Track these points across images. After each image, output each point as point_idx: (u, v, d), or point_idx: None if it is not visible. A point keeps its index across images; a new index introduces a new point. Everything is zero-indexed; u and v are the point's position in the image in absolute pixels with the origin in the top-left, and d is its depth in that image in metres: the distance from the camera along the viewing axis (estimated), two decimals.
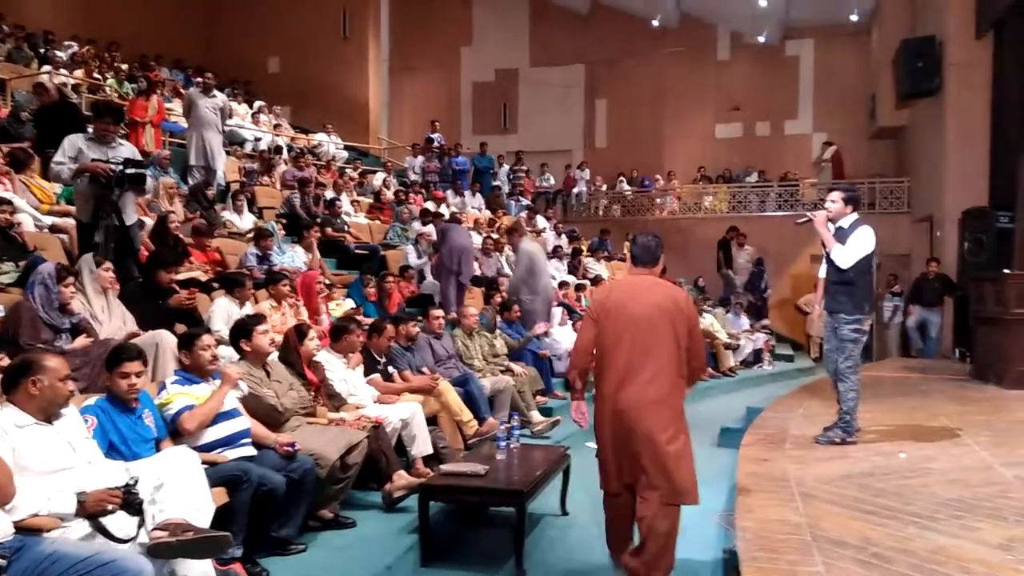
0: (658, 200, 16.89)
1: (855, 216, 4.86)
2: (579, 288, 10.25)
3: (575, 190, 16.93)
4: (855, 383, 4.82)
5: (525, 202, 14.65)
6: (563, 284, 10.17)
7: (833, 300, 4.90)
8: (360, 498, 4.58)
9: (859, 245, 4.73)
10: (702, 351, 3.57)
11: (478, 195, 13.41)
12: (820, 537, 3.15)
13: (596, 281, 10.81)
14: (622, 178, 17.21)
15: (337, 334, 5.20)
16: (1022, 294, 7.25)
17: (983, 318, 7.95)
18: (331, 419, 4.58)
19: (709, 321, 11.11)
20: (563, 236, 13.53)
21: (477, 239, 10.25)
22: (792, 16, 17.24)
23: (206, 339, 3.89)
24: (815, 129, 17.76)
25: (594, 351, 3.45)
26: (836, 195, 4.91)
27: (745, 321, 12.27)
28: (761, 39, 17.81)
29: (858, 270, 4.76)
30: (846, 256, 4.72)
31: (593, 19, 18.63)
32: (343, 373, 5.06)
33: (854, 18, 16.69)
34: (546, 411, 6.89)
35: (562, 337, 8.16)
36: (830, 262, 4.86)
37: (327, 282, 6.94)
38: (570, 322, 8.48)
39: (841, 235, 4.81)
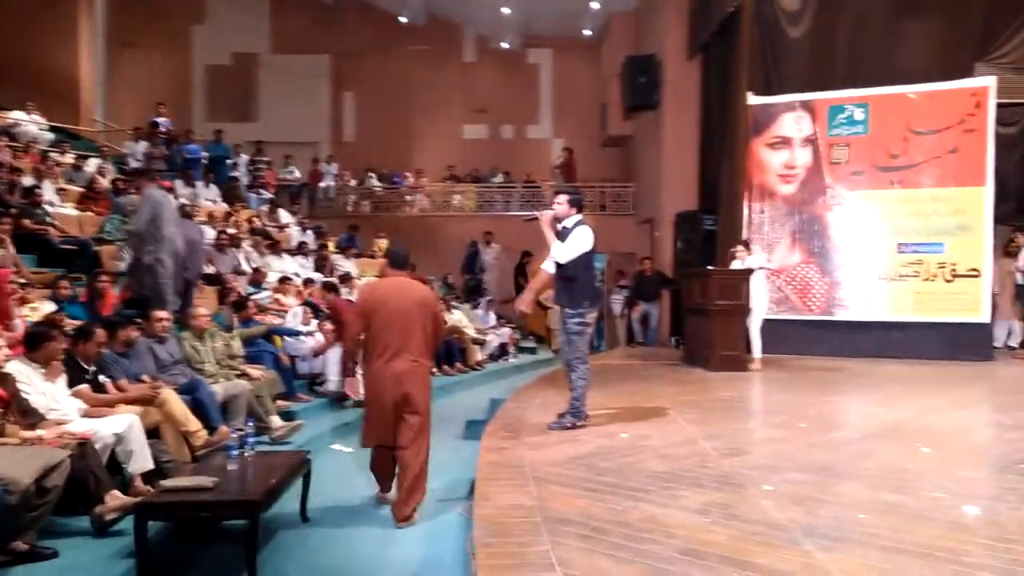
0: (408, 197, 16.95)
1: (578, 217, 5.21)
2: (329, 288, 9.95)
3: (322, 184, 16.41)
4: (584, 372, 5.17)
5: (267, 195, 13.90)
6: (308, 281, 9.79)
7: (558, 295, 5.25)
8: (64, 524, 4.04)
9: (577, 243, 5.08)
10: (441, 330, 4.87)
11: (213, 186, 12.45)
12: (549, 517, 3.30)
13: (346, 279, 10.56)
14: (371, 174, 17.02)
15: (34, 341, 4.51)
16: (723, 287, 8.28)
17: (692, 309, 8.97)
18: (24, 438, 3.97)
19: (457, 317, 11.35)
20: (309, 232, 13.05)
21: (210, 233, 9.51)
22: (533, 26, 18.20)
23: None
24: (554, 135, 18.93)
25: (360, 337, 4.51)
26: (562, 197, 5.25)
27: (492, 317, 12.72)
28: (505, 45, 18.62)
29: (577, 267, 5.10)
30: (563, 252, 5.08)
31: (339, 9, 18.19)
32: (41, 386, 4.40)
33: (588, 32, 18.05)
34: (288, 416, 6.57)
35: (308, 337, 7.86)
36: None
37: (22, 281, 6.00)
38: (315, 321, 8.17)
39: (564, 234, 5.14)
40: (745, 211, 10.08)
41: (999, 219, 9.18)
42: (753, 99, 10.09)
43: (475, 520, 3.35)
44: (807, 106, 9.94)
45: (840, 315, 9.66)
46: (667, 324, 12.35)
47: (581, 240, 5.10)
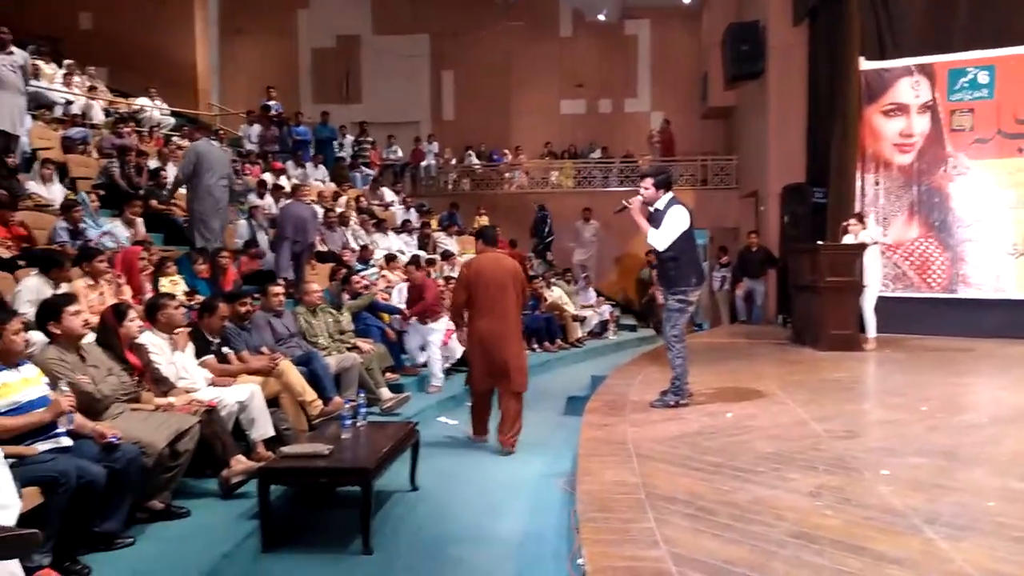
0: (507, 175, 17.04)
1: (669, 196, 5.02)
2: (430, 263, 10.17)
3: (424, 163, 16.73)
4: (680, 351, 5.06)
5: (371, 174, 14.29)
6: (414, 259, 10.03)
7: (660, 275, 5.20)
8: (195, 486, 4.33)
9: (672, 225, 4.92)
10: (526, 294, 6.04)
11: (321, 167, 12.91)
12: (653, 495, 3.29)
13: (447, 256, 10.77)
14: (470, 152, 17.20)
15: (151, 311, 4.77)
16: (834, 264, 7.94)
17: (800, 286, 8.65)
18: (158, 404, 4.28)
19: (558, 294, 11.39)
20: (412, 210, 13.35)
21: (320, 212, 9.89)
22: None
23: (14, 324, 3.48)
24: (653, 107, 18.54)
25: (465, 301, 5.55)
26: (648, 181, 5.04)
27: (592, 294, 12.69)
28: (601, 17, 18.31)
29: (677, 247, 4.95)
30: (660, 238, 4.94)
31: None
32: (170, 355, 4.72)
33: (686, 1, 17.52)
34: (397, 387, 6.80)
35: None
36: None
37: (153, 257, 6.42)
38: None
39: (657, 216, 4.97)
40: (858, 183, 9.60)
41: None
42: (866, 64, 9.56)
43: (578, 495, 3.38)
44: (925, 70, 9.33)
45: (963, 292, 9.08)
46: (774, 302, 11.97)
47: (676, 221, 4.94)
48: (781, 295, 11.35)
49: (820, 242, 8.64)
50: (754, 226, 13.12)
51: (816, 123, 11.43)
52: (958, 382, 6.29)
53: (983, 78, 9.03)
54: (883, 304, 8.13)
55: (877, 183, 9.61)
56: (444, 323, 7.47)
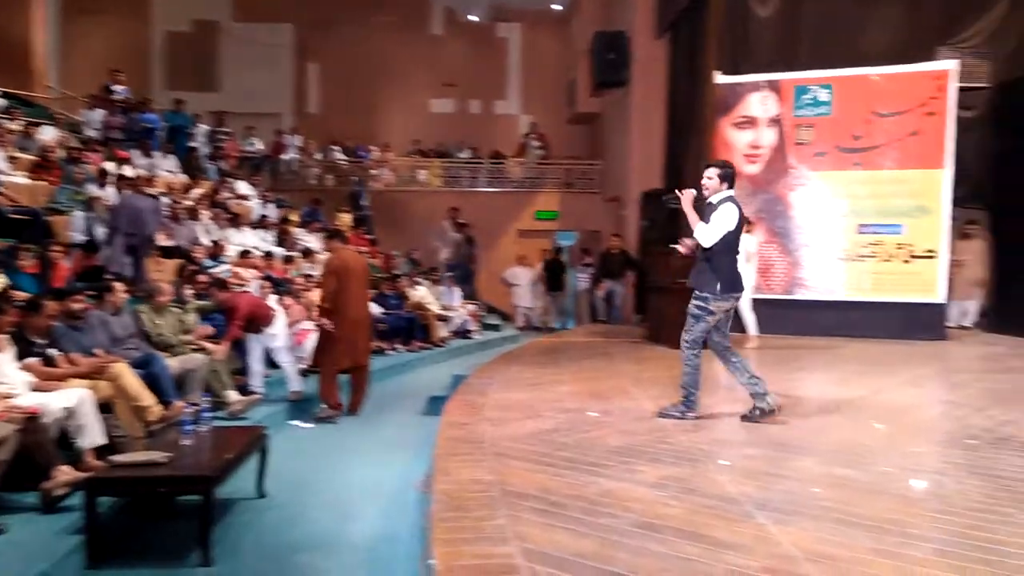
0: (373, 171, 16.74)
1: (725, 193, 4.68)
2: (288, 261, 9.82)
3: (285, 156, 16.11)
4: (691, 359, 4.76)
5: (227, 167, 13.60)
6: (269, 255, 9.64)
7: (694, 275, 4.80)
8: (12, 500, 3.93)
9: (721, 223, 4.58)
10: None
11: (172, 157, 12.14)
12: (508, 492, 3.30)
13: (308, 254, 10.42)
14: (335, 147, 16.75)
15: None
16: (685, 266, 8.30)
17: (656, 287, 9.01)
18: None
19: (422, 293, 11.29)
20: (270, 205, 12.82)
21: (165, 204, 9.29)
22: None
23: None
24: (522, 111, 18.81)
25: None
26: (712, 171, 4.69)
27: (458, 294, 12.67)
28: (473, 18, 18.38)
29: (718, 250, 4.63)
30: (707, 234, 4.60)
31: None
32: None
33: (557, 7, 17.90)
34: (247, 391, 6.46)
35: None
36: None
37: None
38: (275, 297, 8.03)
39: (707, 211, 4.65)
40: None
41: (956, 202, 9.33)
42: (720, 78, 10.10)
43: (434, 495, 3.33)
44: (773, 86, 9.97)
45: (801, 294, 9.78)
46: (632, 303, 12.42)
47: (726, 219, 4.57)
48: (639, 296, 11.79)
49: (673, 245, 9.02)
50: (616, 229, 13.56)
51: (675, 132, 11.97)
52: (792, 377, 6.74)
53: (823, 96, 9.74)
54: None
55: None
56: (283, 324, 7.10)
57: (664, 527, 2.88)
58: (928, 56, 9.63)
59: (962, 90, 9.29)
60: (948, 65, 9.28)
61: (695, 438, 4.29)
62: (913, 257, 9.32)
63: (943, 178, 9.20)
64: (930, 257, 9.26)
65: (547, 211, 16.67)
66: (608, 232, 13.77)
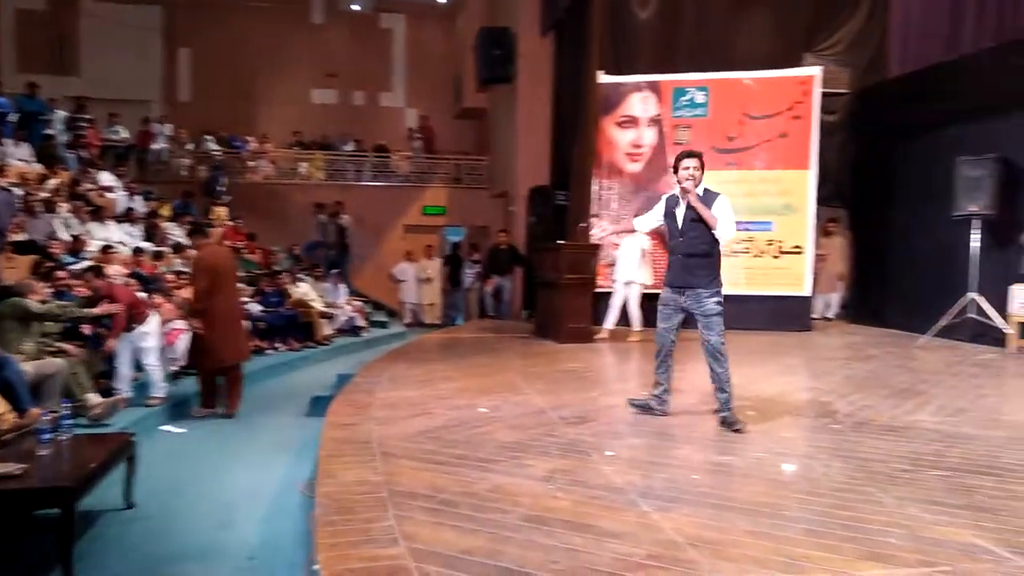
0: (251, 163, 16.07)
1: (702, 184, 4.55)
2: (158, 256, 9.24)
3: (154, 146, 15.18)
4: (725, 355, 4.54)
5: (88, 156, 12.66)
6: (138, 251, 9.05)
7: (689, 275, 4.49)
8: None
9: (731, 212, 4.47)
10: None
11: (25, 145, 11.17)
12: (396, 492, 3.23)
13: (179, 249, 9.86)
14: (209, 137, 15.95)
15: None
16: (573, 262, 8.47)
17: (543, 283, 9.11)
18: None
19: (304, 290, 10.95)
20: (137, 197, 12.05)
21: (18, 196, 8.55)
22: None
23: None
24: (408, 104, 18.59)
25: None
26: (693, 161, 4.46)
27: (343, 291, 12.37)
28: (355, 7, 17.98)
29: (714, 241, 4.50)
30: (730, 228, 4.45)
31: None
32: None
33: (442, 0, 17.77)
34: (109, 393, 6.03)
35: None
36: (681, 235, 4.46)
37: None
38: (144, 295, 7.54)
39: (698, 202, 4.44)
40: (595, 187, 10.33)
41: (820, 200, 9.95)
42: (604, 78, 10.31)
43: (318, 499, 3.21)
44: (653, 87, 10.29)
45: None
46: (520, 298, 12.52)
47: (729, 207, 4.45)
48: (527, 291, 11.90)
49: (561, 241, 9.15)
50: (504, 225, 13.63)
51: (560, 129, 12.13)
52: (678, 368, 6.96)
53: (700, 98, 10.14)
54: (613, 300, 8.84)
55: (611, 188, 10.41)
56: (156, 323, 6.64)
57: (552, 519, 2.90)
58: (795, 62, 10.21)
59: (825, 95, 9.91)
60: (812, 71, 9.87)
61: (582, 431, 4.36)
62: (782, 253, 9.87)
63: (809, 178, 9.79)
64: (797, 253, 9.83)
65: (435, 206, 16.56)
66: (496, 228, 13.82)
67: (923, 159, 9.66)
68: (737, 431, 4.31)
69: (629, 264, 8.68)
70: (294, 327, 9.92)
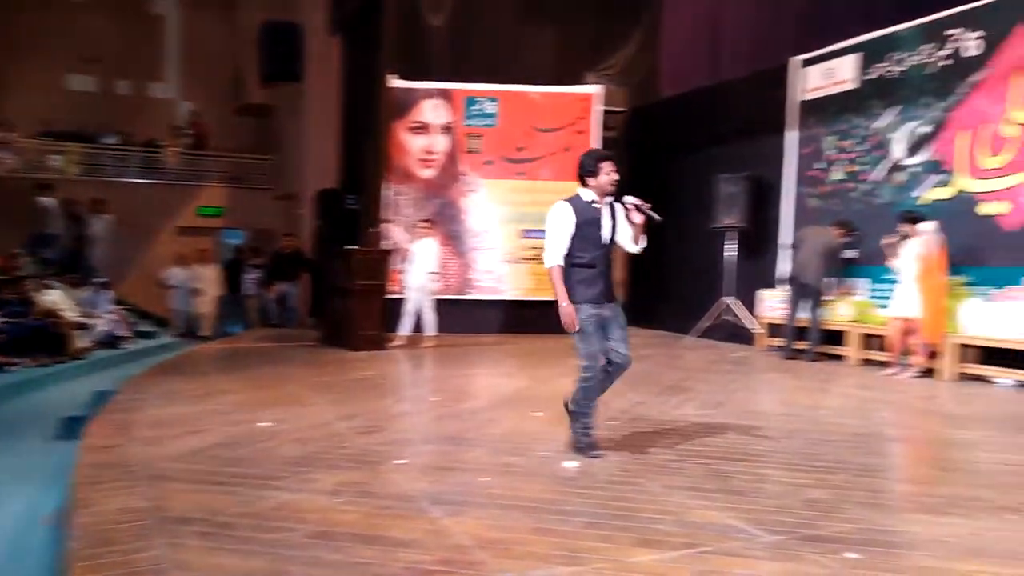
0: None
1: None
2: None
3: None
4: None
5: None
6: None
7: (609, 288, 4.07)
8: None
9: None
10: None
11: None
12: (166, 518, 2.95)
13: None
14: None
15: None
16: (365, 267, 8.32)
17: (333, 289, 8.86)
18: None
19: (54, 298, 9.75)
20: None
21: None
22: None
23: None
24: (183, 96, 17.27)
25: None
26: (614, 165, 3.96)
27: (105, 299, 11.15)
28: None
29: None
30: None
31: None
32: None
33: None
34: None
35: None
36: (605, 246, 4.00)
37: None
38: None
39: (610, 212, 4.01)
40: (386, 192, 10.24)
41: None
42: (395, 82, 10.26)
43: (72, 531, 2.86)
44: (445, 94, 10.41)
45: (473, 295, 10.36)
46: (307, 305, 12.07)
47: None
48: (315, 298, 11.52)
49: (352, 247, 8.96)
50: (289, 228, 13.10)
51: (351, 132, 11.88)
52: (466, 373, 7.10)
53: (490, 108, 10.42)
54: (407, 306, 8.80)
55: (403, 193, 10.37)
56: None
57: (340, 534, 2.80)
58: (578, 80, 10.82)
59: (605, 112, 10.61)
60: (593, 90, 10.53)
61: (371, 440, 4.27)
62: None
63: None
64: None
65: (211, 207, 15.50)
66: (281, 231, 13.23)
67: (691, 175, 10.65)
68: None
69: (423, 270, 8.68)
70: (42, 340, 8.78)
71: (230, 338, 10.95)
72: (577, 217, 3.93)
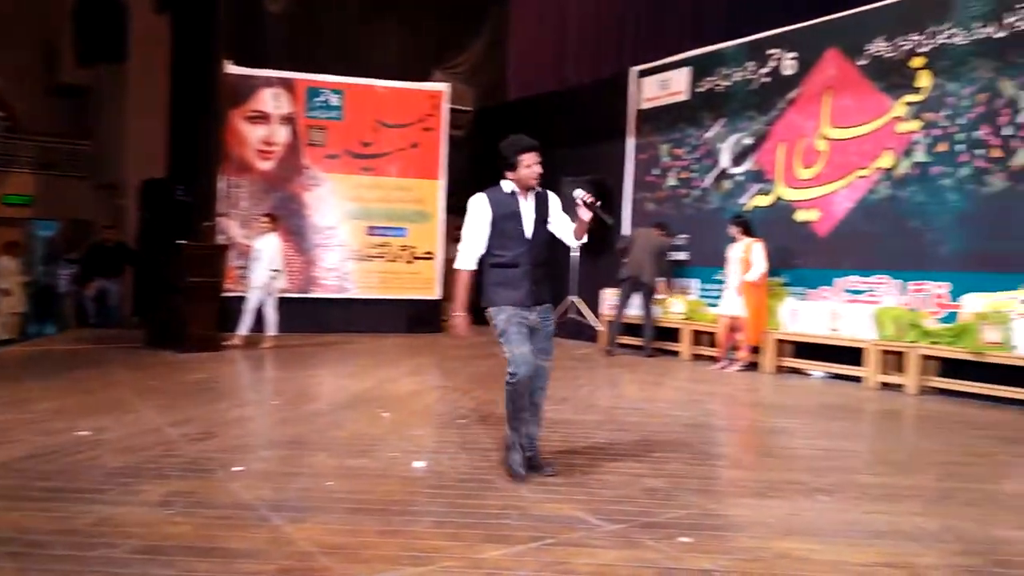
0: None
1: None
2: None
3: None
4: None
5: None
6: None
7: (538, 288, 3.61)
8: None
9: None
10: None
11: None
12: None
13: None
14: None
15: None
16: (198, 263, 7.83)
17: (163, 286, 8.26)
18: None
19: None
20: None
21: None
22: None
23: None
24: None
25: None
26: (538, 156, 3.58)
27: None
28: None
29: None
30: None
31: None
32: None
33: None
34: None
35: None
36: (529, 241, 3.57)
37: None
38: None
39: (543, 204, 3.65)
40: (221, 184, 9.70)
41: (450, 209, 10.62)
42: (231, 68, 9.74)
43: None
44: (286, 84, 10.01)
45: (315, 292, 10.03)
46: (131, 302, 11.19)
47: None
48: (140, 295, 10.71)
49: (183, 241, 8.40)
50: (111, 220, 12.09)
51: (181, 119, 11.11)
52: (309, 374, 6.85)
53: (335, 100, 10.13)
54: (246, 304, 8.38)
55: (240, 186, 9.86)
56: None
57: (171, 548, 2.61)
58: (426, 76, 10.77)
59: (453, 111, 10.63)
60: (441, 87, 10.52)
61: (205, 447, 4.01)
62: (415, 258, 10.34)
63: (439, 187, 10.39)
64: (429, 258, 10.38)
65: (18, 195, 14.00)
66: (101, 223, 12.18)
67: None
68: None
69: (266, 267, 8.29)
70: None
71: (41, 340, 9.96)
72: (494, 211, 3.53)
